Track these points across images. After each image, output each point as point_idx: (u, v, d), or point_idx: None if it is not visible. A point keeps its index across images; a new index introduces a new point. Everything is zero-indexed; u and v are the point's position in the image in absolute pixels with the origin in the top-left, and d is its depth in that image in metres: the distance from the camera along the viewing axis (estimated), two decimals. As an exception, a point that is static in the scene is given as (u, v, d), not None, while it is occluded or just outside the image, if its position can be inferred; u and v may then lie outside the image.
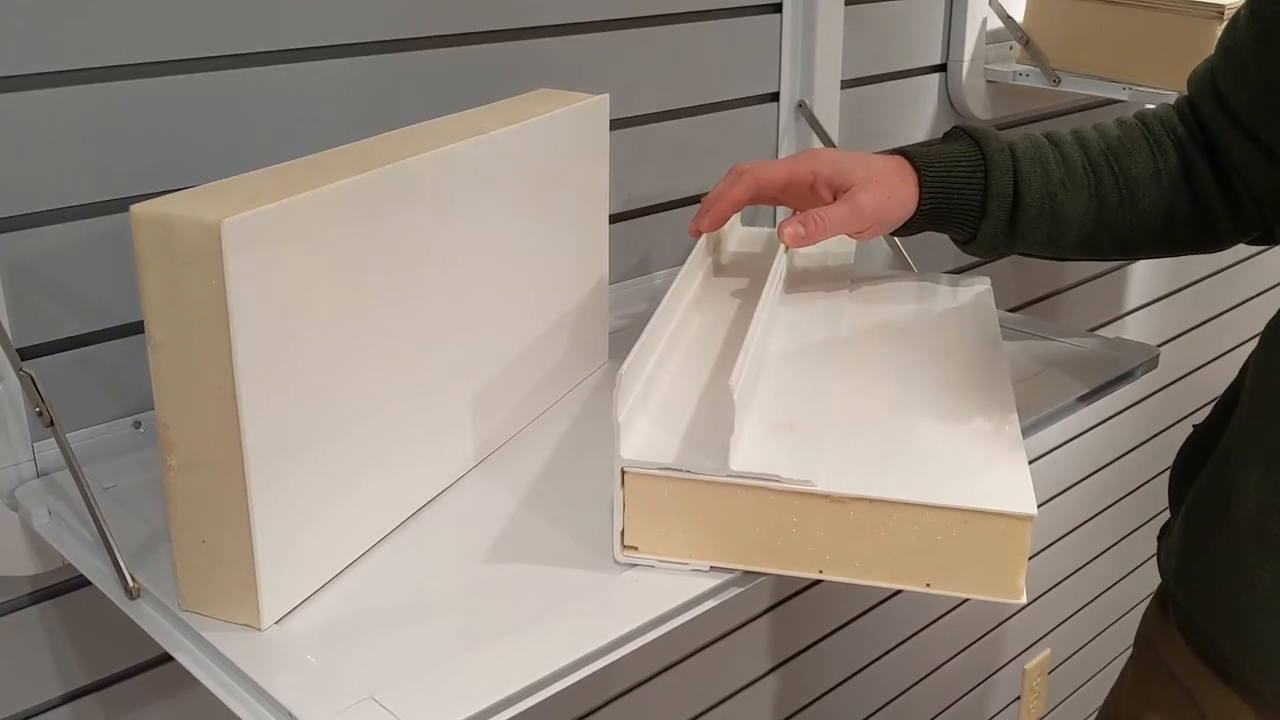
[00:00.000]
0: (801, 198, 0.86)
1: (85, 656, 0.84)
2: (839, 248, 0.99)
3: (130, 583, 0.64)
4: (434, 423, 0.73)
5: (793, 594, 1.41)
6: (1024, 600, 0.64)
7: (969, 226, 0.87)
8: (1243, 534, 0.78)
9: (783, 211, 1.18)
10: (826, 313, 0.87)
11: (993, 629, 1.80)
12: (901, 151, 0.87)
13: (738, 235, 1.01)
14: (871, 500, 0.63)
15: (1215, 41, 0.87)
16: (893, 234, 0.88)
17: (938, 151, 0.87)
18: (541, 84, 0.89)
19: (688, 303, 0.85)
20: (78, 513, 0.71)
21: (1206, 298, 1.91)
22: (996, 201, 0.85)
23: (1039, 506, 0.63)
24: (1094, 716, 1.05)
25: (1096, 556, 1.96)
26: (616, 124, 0.92)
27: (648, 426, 0.68)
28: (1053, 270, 1.59)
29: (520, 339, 0.81)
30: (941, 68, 1.32)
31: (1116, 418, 1.82)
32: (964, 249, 0.90)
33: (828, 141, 1.16)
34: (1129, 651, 0.99)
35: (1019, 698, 1.94)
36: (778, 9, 1.12)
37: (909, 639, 1.64)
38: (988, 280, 0.95)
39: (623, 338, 0.97)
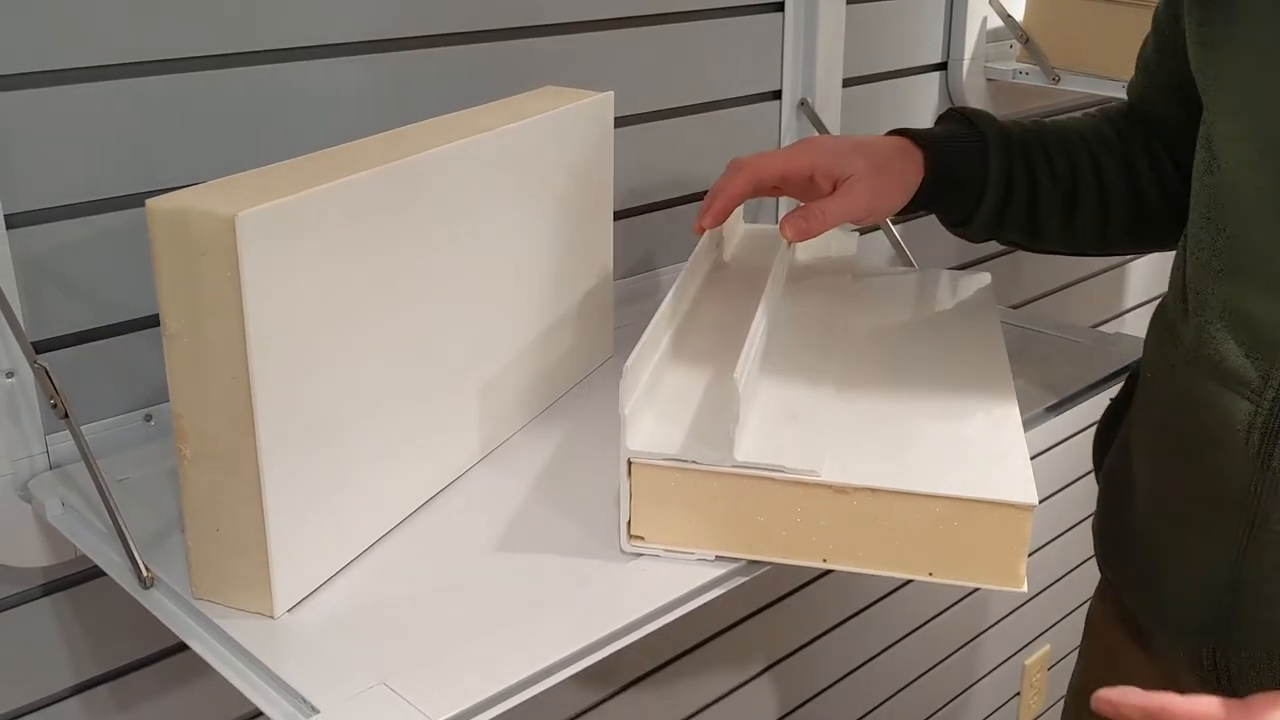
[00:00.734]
0: (801, 188, 0.86)
1: (97, 647, 0.85)
2: (841, 243, 0.99)
3: (144, 572, 0.65)
4: (443, 414, 0.74)
5: (794, 589, 1.42)
6: (1025, 589, 0.65)
7: (967, 206, 0.88)
8: (1144, 502, 0.80)
9: (785, 203, 1.19)
10: (829, 307, 0.88)
11: (992, 625, 1.81)
12: (902, 132, 0.87)
13: (740, 231, 1.02)
14: (875, 490, 0.64)
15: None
16: (893, 217, 0.89)
17: (939, 131, 0.88)
18: (547, 82, 0.90)
19: (692, 297, 0.86)
20: (91, 504, 0.72)
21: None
22: (996, 177, 0.86)
23: (1040, 502, 0.63)
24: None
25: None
26: (621, 121, 0.93)
27: (653, 418, 0.69)
28: (1053, 267, 1.60)
29: (527, 332, 0.82)
30: (942, 66, 1.33)
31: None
32: (955, 230, 0.91)
33: (829, 139, 1.16)
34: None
35: (1019, 693, 1.95)
36: (780, 8, 1.13)
37: (909, 634, 1.65)
38: (988, 276, 0.95)
39: (627, 332, 0.98)
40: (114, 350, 0.80)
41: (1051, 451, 1.72)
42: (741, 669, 1.41)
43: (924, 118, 1.33)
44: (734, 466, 0.64)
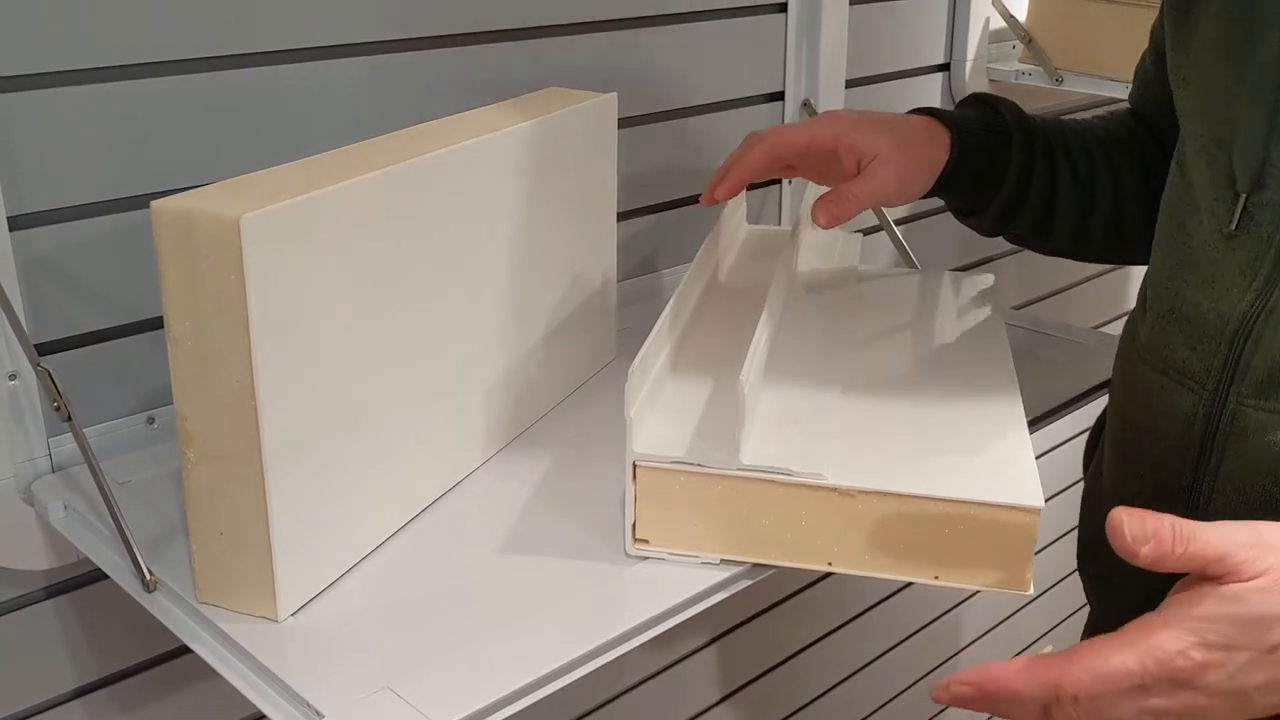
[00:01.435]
0: (821, 164, 0.84)
1: (100, 650, 0.84)
2: (845, 246, 0.99)
3: (147, 575, 0.65)
4: (447, 416, 0.74)
5: (796, 591, 1.42)
6: (1031, 592, 0.64)
7: (985, 194, 0.86)
8: (1107, 502, 0.79)
9: (790, 196, 1.19)
10: (833, 310, 0.88)
11: (996, 625, 1.81)
12: (928, 111, 0.85)
13: (744, 233, 1.02)
14: (881, 493, 0.64)
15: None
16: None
17: (966, 114, 0.86)
18: (550, 83, 0.90)
19: (697, 299, 0.86)
20: (94, 507, 0.72)
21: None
22: (1016, 170, 0.85)
23: (1044, 502, 0.63)
24: None
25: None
26: (624, 122, 0.92)
27: (658, 421, 0.69)
28: (1056, 268, 1.60)
29: (531, 334, 0.81)
30: (945, 67, 1.33)
31: (1118, 415, 1.83)
32: (967, 220, 0.90)
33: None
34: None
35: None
36: (783, 9, 1.13)
37: (911, 636, 1.65)
38: (992, 277, 0.95)
39: (630, 335, 0.98)
40: (117, 352, 0.80)
41: (1055, 452, 1.72)
42: (743, 670, 1.41)
43: (927, 118, 1.33)
44: (740, 469, 0.64)
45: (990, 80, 1.34)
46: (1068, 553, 1.95)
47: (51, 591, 0.81)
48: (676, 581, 0.65)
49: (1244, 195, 0.68)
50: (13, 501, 0.75)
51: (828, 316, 0.86)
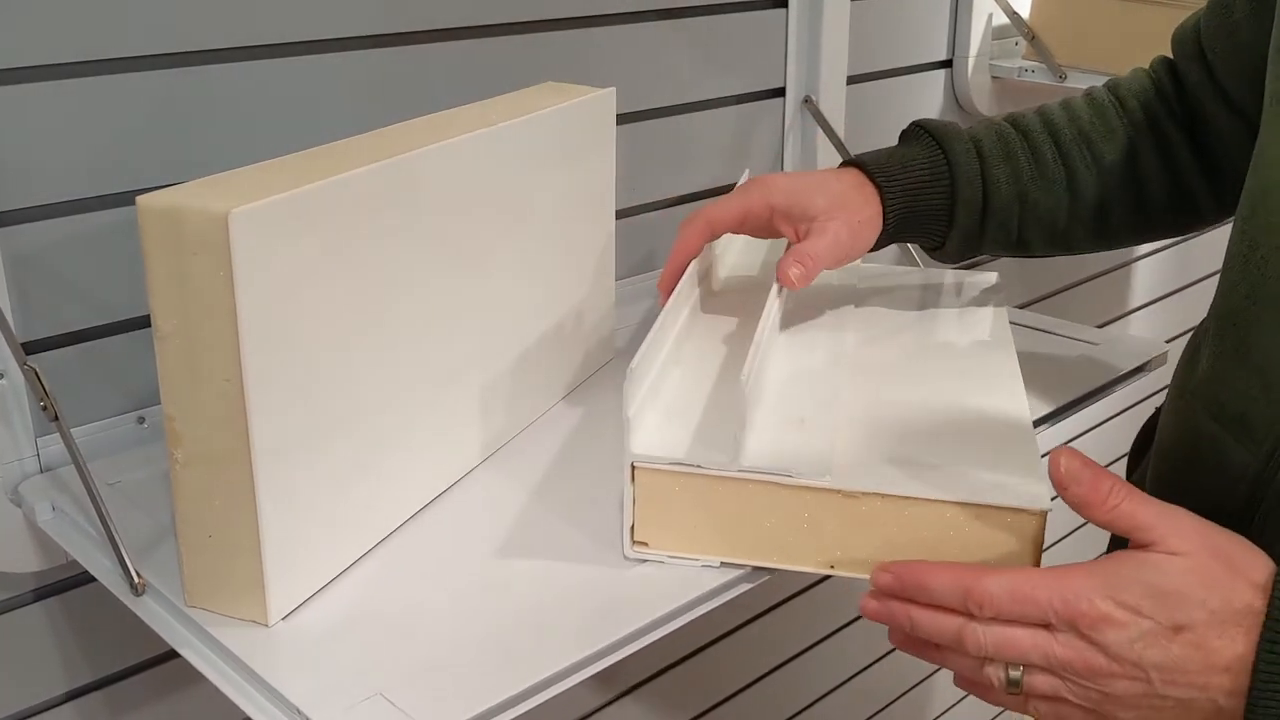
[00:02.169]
0: (761, 230, 0.82)
1: (90, 653, 0.83)
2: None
3: (135, 579, 0.64)
4: (442, 417, 0.73)
5: (796, 592, 1.41)
6: (1037, 595, 0.63)
7: (937, 235, 0.83)
8: None
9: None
10: (835, 310, 0.87)
11: (997, 627, 1.80)
12: (858, 164, 0.82)
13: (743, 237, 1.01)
14: (884, 495, 0.63)
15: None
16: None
17: (900, 160, 0.82)
18: (547, 77, 0.89)
19: (696, 299, 0.85)
20: (82, 508, 0.71)
21: (1213, 295, 1.91)
22: (965, 208, 0.81)
23: (1051, 503, 0.62)
24: None
25: (1103, 554, 1.95)
26: (622, 118, 0.91)
27: (658, 421, 0.68)
28: (1059, 267, 1.59)
29: (527, 333, 0.80)
30: (947, 63, 1.32)
31: (1123, 414, 1.82)
32: (932, 255, 0.87)
33: (834, 137, 1.15)
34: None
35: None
36: (783, 4, 1.12)
37: (913, 637, 1.64)
38: (995, 275, 0.94)
39: (629, 333, 0.97)
40: (106, 351, 0.79)
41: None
42: (742, 673, 1.40)
43: (929, 115, 1.32)
44: (740, 471, 0.63)
45: (993, 77, 1.34)
46: (1073, 553, 1.94)
47: (41, 594, 0.80)
48: (676, 584, 0.64)
49: None
50: (0, 502, 0.74)
51: (829, 317, 0.85)
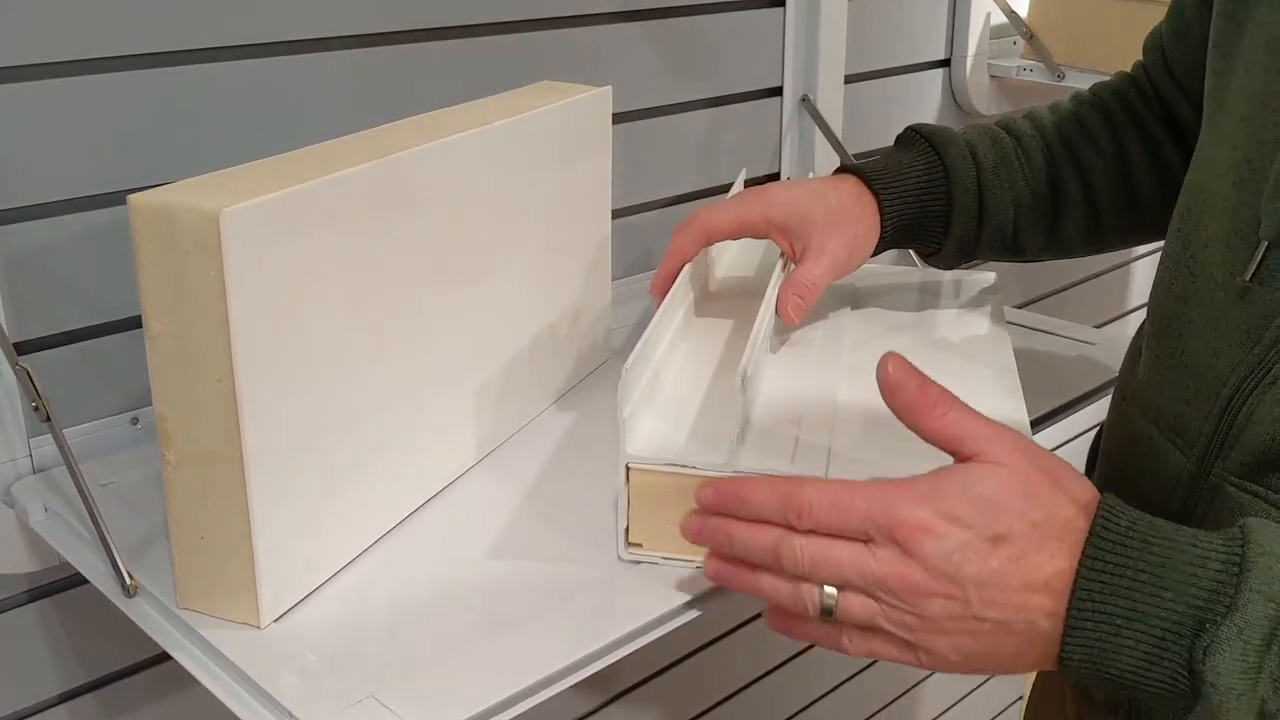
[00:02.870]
0: (757, 239, 0.82)
1: (83, 655, 0.83)
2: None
3: (127, 580, 0.64)
4: (436, 418, 0.72)
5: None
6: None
7: (933, 241, 0.83)
8: None
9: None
10: (832, 310, 0.86)
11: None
12: (855, 170, 0.81)
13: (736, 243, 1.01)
14: (880, 496, 0.62)
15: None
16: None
17: (895, 166, 0.81)
18: (544, 76, 0.88)
19: (692, 299, 0.84)
20: (74, 509, 0.71)
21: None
22: (961, 214, 0.81)
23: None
24: None
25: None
26: (619, 118, 0.91)
27: (653, 422, 0.68)
28: (1056, 267, 1.59)
29: (522, 333, 0.80)
30: (945, 63, 1.32)
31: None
32: (927, 260, 0.87)
33: (831, 136, 1.15)
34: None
35: (1022, 697, 1.93)
36: (780, 3, 1.12)
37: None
38: (994, 275, 0.94)
39: (625, 333, 0.97)
40: (99, 351, 0.78)
41: (1058, 452, 1.71)
42: (738, 675, 1.39)
43: (927, 114, 1.32)
44: (736, 472, 0.63)
45: (991, 76, 1.33)
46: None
47: (34, 595, 0.80)
48: (670, 587, 0.64)
49: (1266, 244, 0.59)
50: (-8, 503, 0.74)
51: (826, 317, 0.85)
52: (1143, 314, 0.72)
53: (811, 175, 1.15)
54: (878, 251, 0.83)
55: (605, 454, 0.68)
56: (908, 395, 0.56)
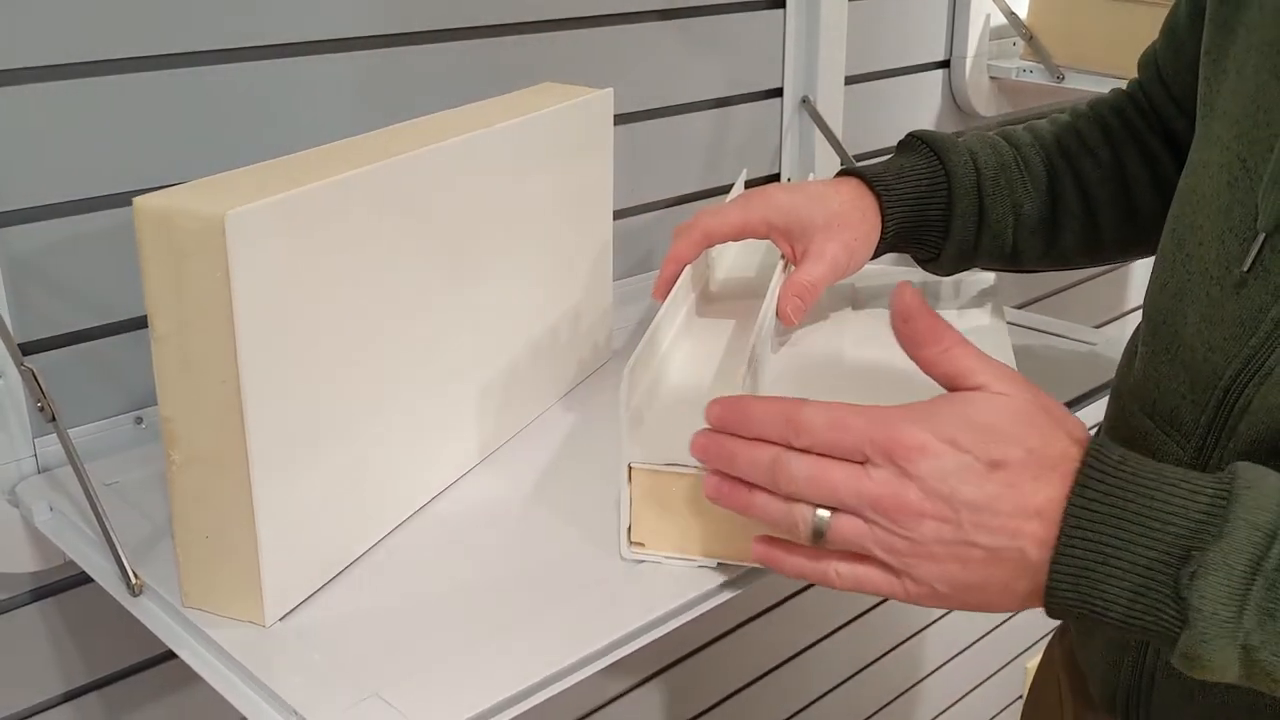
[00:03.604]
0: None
1: (87, 654, 0.83)
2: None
3: (132, 579, 0.64)
4: (439, 417, 0.73)
5: (793, 593, 1.41)
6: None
7: (933, 246, 0.83)
8: None
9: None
10: (832, 310, 0.86)
11: (994, 627, 1.80)
12: (857, 173, 0.82)
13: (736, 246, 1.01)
14: (880, 495, 0.62)
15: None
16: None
17: (896, 170, 0.82)
18: (546, 78, 0.89)
19: (694, 299, 0.85)
20: (79, 509, 0.71)
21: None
22: (961, 220, 0.81)
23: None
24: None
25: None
26: (620, 119, 0.91)
27: (655, 421, 0.68)
28: (1056, 267, 1.59)
29: (525, 333, 0.80)
30: (945, 64, 1.32)
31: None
32: (925, 267, 0.87)
33: (832, 137, 1.15)
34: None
35: (1021, 696, 1.94)
36: (781, 4, 1.12)
37: (911, 638, 1.64)
38: (993, 276, 0.94)
39: (627, 333, 0.97)
40: (104, 352, 0.79)
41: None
42: (740, 674, 1.40)
43: (927, 115, 1.32)
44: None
45: (991, 78, 1.34)
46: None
47: (38, 594, 0.80)
48: (672, 585, 0.64)
49: (1264, 236, 0.60)
50: (-3, 503, 0.74)
51: (826, 317, 0.85)
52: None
53: (812, 176, 1.16)
54: (877, 255, 0.83)
55: (607, 454, 0.68)
56: (917, 324, 0.56)
